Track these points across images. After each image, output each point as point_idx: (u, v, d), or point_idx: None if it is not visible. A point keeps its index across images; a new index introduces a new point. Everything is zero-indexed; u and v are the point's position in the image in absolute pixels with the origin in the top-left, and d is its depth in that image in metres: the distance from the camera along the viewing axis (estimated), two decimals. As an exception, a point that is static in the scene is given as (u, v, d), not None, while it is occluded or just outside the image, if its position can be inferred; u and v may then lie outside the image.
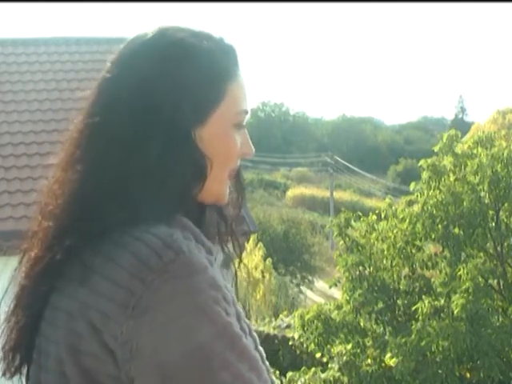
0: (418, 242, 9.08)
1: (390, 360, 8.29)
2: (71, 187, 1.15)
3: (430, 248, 9.49)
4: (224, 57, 1.21)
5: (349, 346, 8.71)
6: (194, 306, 1.04)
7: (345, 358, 8.62)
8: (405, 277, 9.27)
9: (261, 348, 1.19)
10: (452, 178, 9.00)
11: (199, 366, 1.03)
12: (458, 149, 9.17)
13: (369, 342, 8.72)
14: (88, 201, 1.13)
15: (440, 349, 7.91)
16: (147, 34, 1.20)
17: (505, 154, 8.67)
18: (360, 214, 9.67)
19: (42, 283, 1.15)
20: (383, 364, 8.48)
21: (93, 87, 1.21)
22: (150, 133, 1.12)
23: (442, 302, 8.45)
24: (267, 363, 1.17)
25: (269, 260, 19.53)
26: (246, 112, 1.23)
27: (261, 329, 14.70)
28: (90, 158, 1.15)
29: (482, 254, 8.85)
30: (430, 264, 9.00)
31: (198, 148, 1.16)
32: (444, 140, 9.17)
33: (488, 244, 9.00)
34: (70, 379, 1.08)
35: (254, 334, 1.18)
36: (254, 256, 18.97)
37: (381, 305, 8.89)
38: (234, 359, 1.05)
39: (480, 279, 8.14)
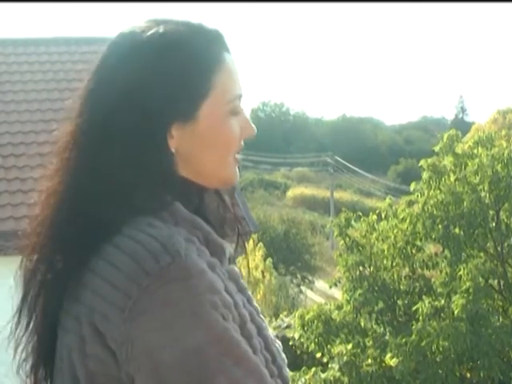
0: (418, 242, 9.08)
1: (391, 360, 8.29)
2: (66, 191, 1.16)
3: (430, 248, 9.49)
4: (208, 46, 1.18)
5: (349, 346, 8.71)
6: (189, 311, 1.03)
7: (345, 358, 8.61)
8: (405, 277, 9.28)
9: (275, 347, 1.17)
10: (452, 178, 9.00)
11: (193, 371, 1.02)
12: (459, 149, 9.17)
13: (369, 342, 8.72)
14: (85, 203, 1.13)
15: (440, 349, 7.91)
16: (129, 34, 1.22)
17: (505, 154, 8.68)
18: (360, 214, 9.67)
19: (55, 289, 1.15)
20: (383, 364, 8.48)
21: (80, 90, 1.20)
22: (134, 132, 1.13)
23: (443, 302, 8.46)
24: (280, 362, 1.16)
25: (269, 260, 19.53)
26: (240, 96, 1.21)
27: (261, 329, 14.70)
28: (84, 161, 1.15)
29: (482, 254, 8.86)
30: (430, 264, 9.00)
31: (168, 145, 1.15)
32: (444, 140, 9.17)
33: (488, 244, 9.00)
34: (82, 383, 1.09)
35: (266, 333, 1.17)
36: (254, 256, 18.97)
37: (381, 305, 8.89)
38: (230, 364, 1.04)
39: (480, 279, 8.14)
